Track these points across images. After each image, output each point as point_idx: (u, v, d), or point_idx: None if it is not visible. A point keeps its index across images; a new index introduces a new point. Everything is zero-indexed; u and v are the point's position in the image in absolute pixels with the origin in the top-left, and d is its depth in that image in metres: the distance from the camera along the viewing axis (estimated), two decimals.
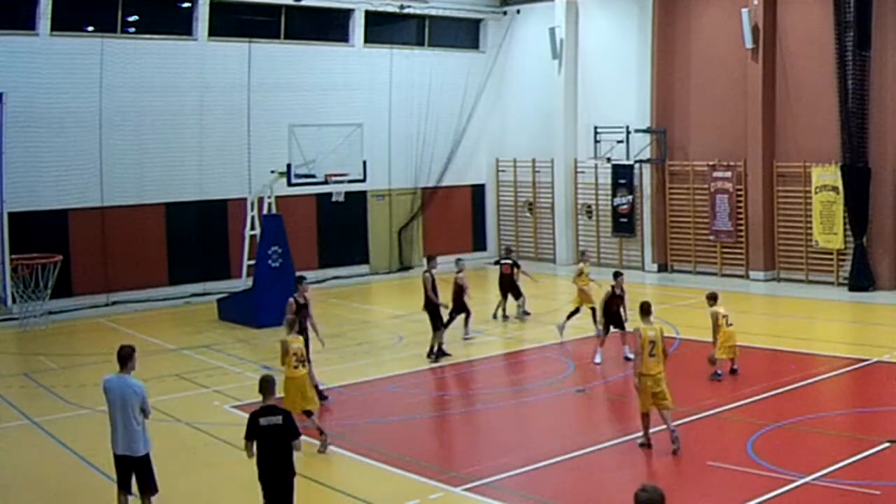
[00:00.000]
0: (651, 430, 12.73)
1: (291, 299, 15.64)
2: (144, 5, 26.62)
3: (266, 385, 10.03)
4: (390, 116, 31.05)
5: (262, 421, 9.72)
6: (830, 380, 16.26)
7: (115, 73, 25.41)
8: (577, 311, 20.16)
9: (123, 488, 10.37)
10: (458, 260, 20.71)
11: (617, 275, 18.18)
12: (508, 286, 22.46)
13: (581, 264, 20.79)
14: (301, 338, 13.99)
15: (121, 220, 25.77)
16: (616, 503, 11.20)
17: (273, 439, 9.65)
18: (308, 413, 13.24)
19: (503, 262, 22.88)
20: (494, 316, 22.48)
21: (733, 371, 16.59)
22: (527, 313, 22.47)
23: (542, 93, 31.61)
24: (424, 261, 20.09)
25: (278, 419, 9.71)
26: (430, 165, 31.98)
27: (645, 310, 13.21)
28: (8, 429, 14.79)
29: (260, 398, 10.08)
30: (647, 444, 12.88)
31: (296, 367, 13.38)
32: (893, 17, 23.73)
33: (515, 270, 22.46)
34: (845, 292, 24.37)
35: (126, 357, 10.45)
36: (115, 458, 10.38)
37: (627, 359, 17.30)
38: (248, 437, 9.77)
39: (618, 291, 17.66)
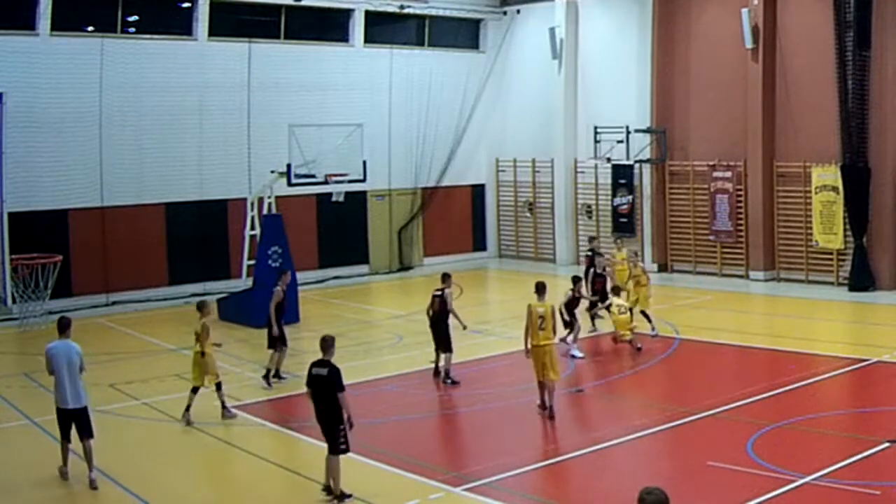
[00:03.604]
0: (651, 430, 12.74)
1: (278, 288, 16.84)
2: (144, 5, 26.62)
3: (325, 343, 11.55)
4: (390, 116, 31.05)
5: (314, 371, 11.44)
6: (830, 380, 16.25)
7: (115, 72, 25.40)
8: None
9: (66, 438, 12.10)
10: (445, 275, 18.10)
11: (576, 280, 19.13)
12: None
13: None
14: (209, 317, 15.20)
15: (121, 220, 25.76)
16: (616, 503, 11.21)
17: (319, 387, 11.32)
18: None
19: (587, 254, 22.43)
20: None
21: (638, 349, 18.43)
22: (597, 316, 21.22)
23: (542, 93, 31.62)
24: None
25: (324, 371, 11.32)
26: (430, 165, 31.99)
27: (539, 289, 14.92)
28: (8, 429, 14.79)
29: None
30: (543, 407, 14.60)
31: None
32: (893, 17, 23.73)
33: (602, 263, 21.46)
34: (845, 292, 24.36)
35: (65, 326, 12.32)
36: (60, 413, 12.04)
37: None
38: (307, 384, 11.51)
39: (577, 295, 18.84)
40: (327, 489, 11.35)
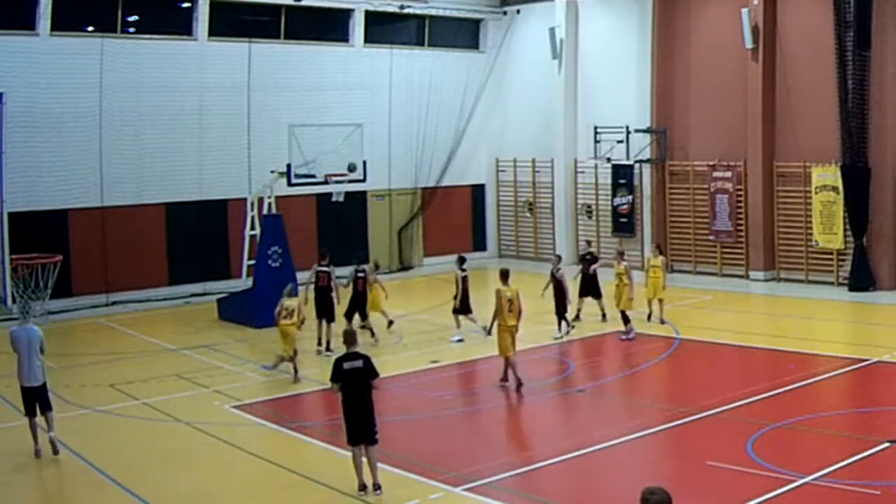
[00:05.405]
0: (651, 430, 12.73)
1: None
2: (144, 5, 26.60)
3: (349, 337, 11.88)
4: (390, 116, 31.04)
5: (346, 365, 11.53)
6: (830, 380, 16.24)
7: (115, 73, 25.40)
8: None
9: (31, 413, 13.21)
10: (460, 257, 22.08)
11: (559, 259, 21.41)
12: (588, 285, 21.84)
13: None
14: (296, 298, 17.74)
15: (121, 220, 25.75)
16: (616, 503, 11.21)
17: (355, 380, 11.50)
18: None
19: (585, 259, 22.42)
20: (577, 317, 21.47)
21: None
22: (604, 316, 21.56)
23: (542, 93, 31.61)
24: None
25: (359, 363, 11.58)
26: (430, 165, 31.98)
27: (503, 275, 16.70)
28: (8, 429, 14.78)
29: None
30: (505, 380, 16.18)
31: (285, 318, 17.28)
32: (893, 17, 23.73)
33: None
34: (845, 292, 24.35)
35: (27, 313, 14.92)
36: (24, 390, 13.28)
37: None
38: (334, 379, 11.60)
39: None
40: (364, 487, 11.47)
